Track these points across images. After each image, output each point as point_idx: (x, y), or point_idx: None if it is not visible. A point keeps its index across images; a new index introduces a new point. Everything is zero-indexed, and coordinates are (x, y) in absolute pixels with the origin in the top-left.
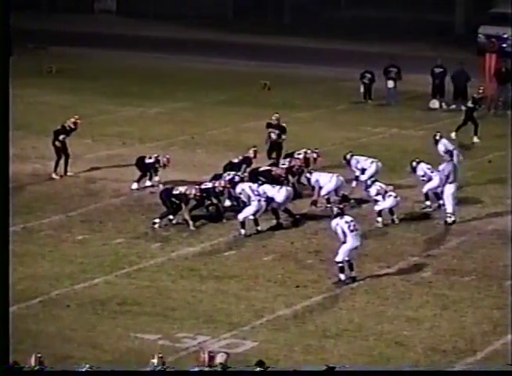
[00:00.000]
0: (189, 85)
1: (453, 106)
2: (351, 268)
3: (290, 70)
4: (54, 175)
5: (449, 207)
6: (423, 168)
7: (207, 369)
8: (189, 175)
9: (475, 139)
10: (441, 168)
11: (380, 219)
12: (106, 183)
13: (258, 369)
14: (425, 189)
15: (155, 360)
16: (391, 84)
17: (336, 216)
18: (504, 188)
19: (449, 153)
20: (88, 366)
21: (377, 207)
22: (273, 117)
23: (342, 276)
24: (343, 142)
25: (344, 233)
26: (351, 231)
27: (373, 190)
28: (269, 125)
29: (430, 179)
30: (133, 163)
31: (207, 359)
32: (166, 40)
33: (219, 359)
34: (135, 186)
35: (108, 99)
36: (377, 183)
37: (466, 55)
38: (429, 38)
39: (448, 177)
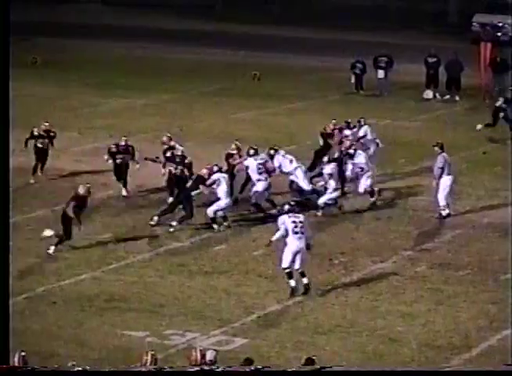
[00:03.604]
0: (176, 76)
1: (447, 97)
2: (302, 275)
3: (280, 60)
4: (32, 180)
5: (443, 201)
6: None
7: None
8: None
9: (479, 127)
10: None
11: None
12: (92, 176)
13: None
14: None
15: (148, 358)
16: (381, 74)
17: (285, 213)
18: (499, 180)
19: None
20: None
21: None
22: None
23: (292, 283)
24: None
25: (286, 231)
26: (295, 233)
27: None
28: None
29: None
30: None
31: (199, 356)
32: (153, 30)
33: (208, 356)
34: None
35: (94, 90)
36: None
37: (460, 44)
38: (422, 27)
39: (443, 169)
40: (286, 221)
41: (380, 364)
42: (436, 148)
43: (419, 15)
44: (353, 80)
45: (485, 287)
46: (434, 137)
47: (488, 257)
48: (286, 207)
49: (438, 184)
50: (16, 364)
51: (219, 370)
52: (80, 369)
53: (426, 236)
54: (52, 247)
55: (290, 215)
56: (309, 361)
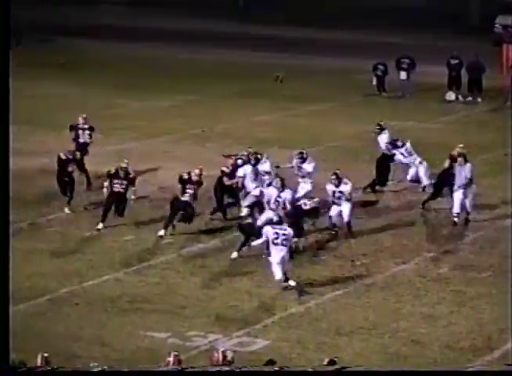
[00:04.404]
0: (199, 78)
1: (469, 98)
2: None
3: (302, 61)
4: (67, 210)
5: (469, 208)
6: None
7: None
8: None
9: None
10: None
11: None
12: None
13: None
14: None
15: (171, 359)
16: (403, 75)
17: (268, 223)
18: None
19: (392, 145)
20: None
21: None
22: None
23: (292, 283)
24: (358, 135)
25: (267, 243)
26: (275, 244)
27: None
28: None
29: None
30: (143, 157)
31: (221, 358)
32: (175, 31)
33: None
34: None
35: (117, 91)
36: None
37: (482, 45)
38: (444, 29)
39: (471, 179)
40: (268, 231)
41: (401, 366)
42: (460, 159)
43: (441, 16)
44: (375, 82)
45: (507, 288)
46: (457, 139)
47: (510, 258)
48: (275, 218)
49: (464, 193)
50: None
51: (241, 370)
52: (99, 369)
53: (448, 238)
54: (235, 253)
55: (275, 226)
56: (331, 362)
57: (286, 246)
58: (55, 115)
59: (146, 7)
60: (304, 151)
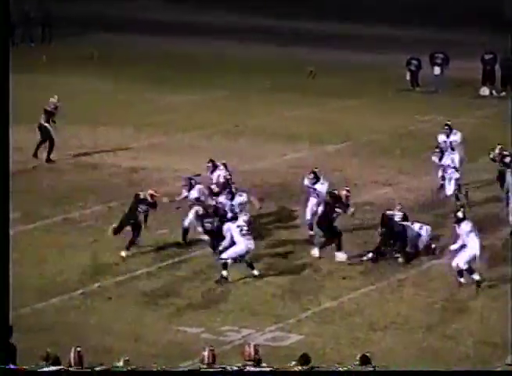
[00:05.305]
0: (232, 73)
1: (503, 94)
2: (251, 267)
3: (335, 56)
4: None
5: None
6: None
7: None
8: (230, 165)
9: None
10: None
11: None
12: (148, 173)
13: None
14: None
15: (206, 353)
16: (437, 70)
17: (229, 220)
18: None
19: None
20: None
21: None
22: None
23: (224, 273)
24: (391, 130)
25: (232, 238)
26: (243, 235)
27: None
28: None
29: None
30: (176, 152)
31: (253, 352)
32: (207, 26)
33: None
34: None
35: (149, 86)
36: None
37: None
38: (478, 23)
39: None
40: (231, 227)
41: (435, 361)
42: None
43: (475, 11)
44: (408, 77)
45: None
46: (491, 134)
47: None
48: (230, 215)
49: None
50: (72, 360)
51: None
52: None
53: (482, 233)
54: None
55: (234, 221)
56: (364, 358)
57: (250, 234)
58: (86, 110)
59: (178, 2)
60: (317, 170)
